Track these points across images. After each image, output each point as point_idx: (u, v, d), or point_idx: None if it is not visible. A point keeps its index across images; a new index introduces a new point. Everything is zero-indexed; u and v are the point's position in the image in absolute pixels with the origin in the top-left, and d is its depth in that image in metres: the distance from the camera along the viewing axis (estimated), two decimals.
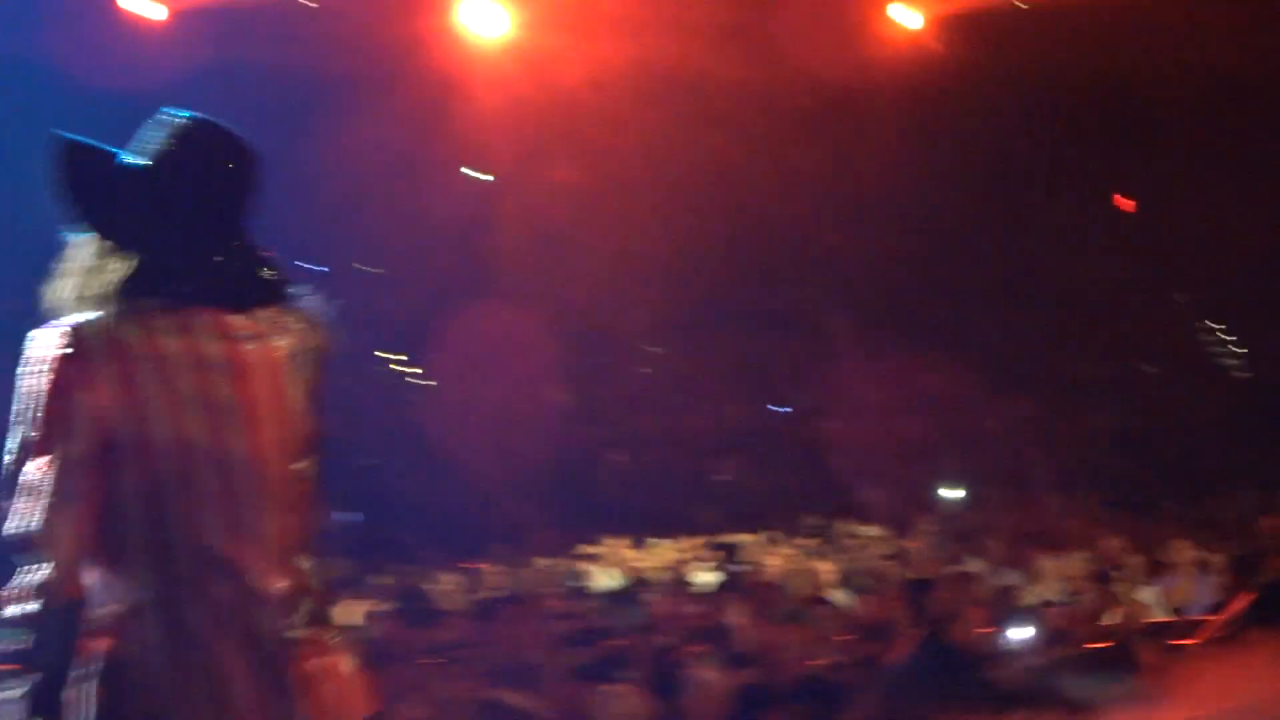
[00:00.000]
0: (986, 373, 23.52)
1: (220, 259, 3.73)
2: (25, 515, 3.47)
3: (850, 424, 22.69)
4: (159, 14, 20.77)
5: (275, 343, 3.75)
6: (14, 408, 3.54)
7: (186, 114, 3.79)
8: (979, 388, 23.25)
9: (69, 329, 3.54)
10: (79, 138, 3.71)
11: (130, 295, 3.62)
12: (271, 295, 3.80)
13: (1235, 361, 25.51)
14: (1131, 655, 12.01)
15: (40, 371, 3.52)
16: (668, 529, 18.99)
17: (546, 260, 22.59)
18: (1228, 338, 25.66)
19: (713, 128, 21.77)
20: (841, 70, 21.90)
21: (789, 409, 24.33)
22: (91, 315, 3.58)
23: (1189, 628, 13.45)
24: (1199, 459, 21.65)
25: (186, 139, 3.76)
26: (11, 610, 3.46)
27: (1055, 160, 24.22)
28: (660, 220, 23.06)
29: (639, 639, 12.23)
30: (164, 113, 3.80)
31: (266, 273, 3.81)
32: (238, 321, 3.69)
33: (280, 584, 3.65)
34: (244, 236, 3.79)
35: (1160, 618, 14.01)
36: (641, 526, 19.12)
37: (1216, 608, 13.82)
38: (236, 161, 3.80)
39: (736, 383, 24.25)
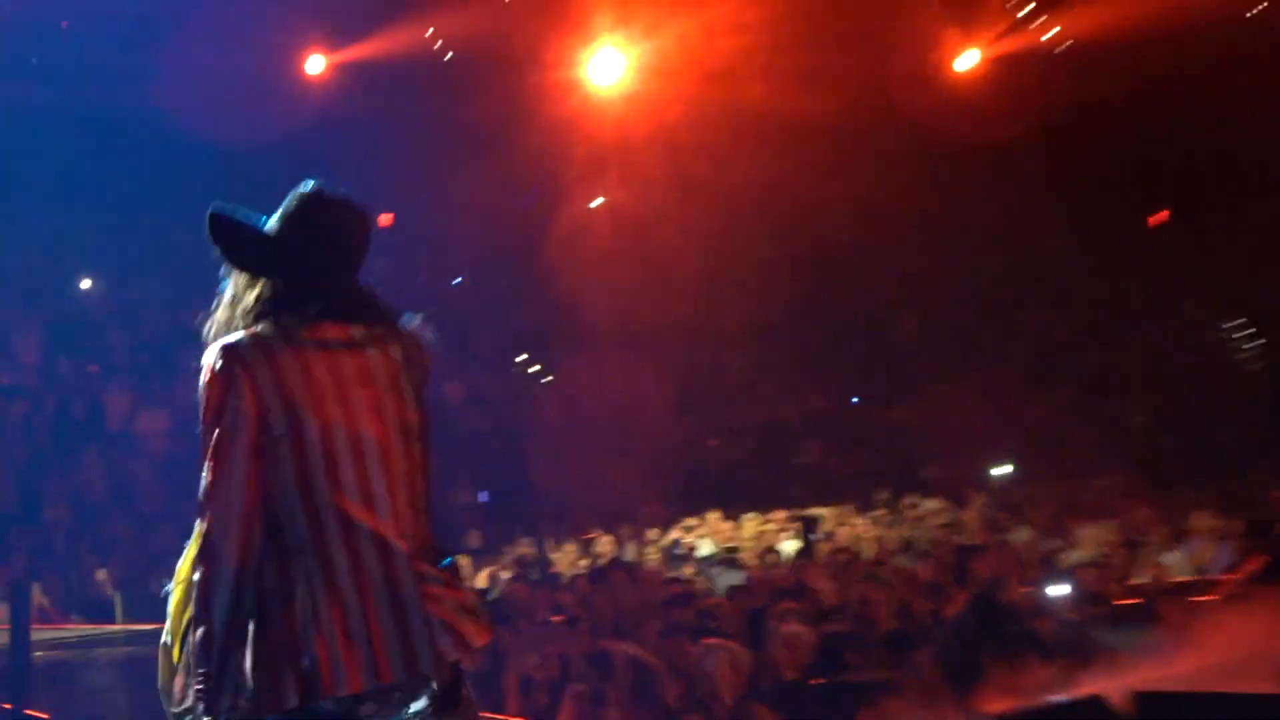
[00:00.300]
0: (1033, 366, 23.42)
1: (340, 289, 4.06)
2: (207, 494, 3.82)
3: (914, 412, 22.60)
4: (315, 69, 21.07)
5: (389, 350, 4.05)
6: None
7: (314, 185, 4.20)
8: (1027, 379, 23.12)
9: (231, 344, 3.91)
10: (230, 212, 4.13)
11: (273, 315, 3.98)
12: (382, 315, 4.12)
13: (1250, 354, 25.22)
14: (1156, 611, 11.98)
15: (211, 381, 3.87)
16: (758, 505, 18.96)
17: (654, 273, 22.66)
18: (1244, 334, 25.38)
19: (793, 157, 21.81)
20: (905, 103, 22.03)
21: (860, 400, 24.23)
22: (245, 333, 3.95)
23: (1208, 587, 13.39)
24: (1219, 441, 21.44)
25: (315, 205, 4.16)
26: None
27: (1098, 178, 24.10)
28: (751, 238, 23.10)
29: (734, 599, 12.30)
30: (303, 185, 4.20)
31: (376, 299, 4.15)
32: (358, 332, 4.03)
33: (404, 537, 3.91)
34: (356, 276, 4.14)
35: (1182, 578, 13.95)
36: (735, 503, 19.11)
37: (1232, 569, 13.75)
38: (351, 222, 4.18)
39: (818, 377, 24.20)
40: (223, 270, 4.18)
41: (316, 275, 4.04)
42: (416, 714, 3.93)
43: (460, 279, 23.69)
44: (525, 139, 21.74)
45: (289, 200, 4.16)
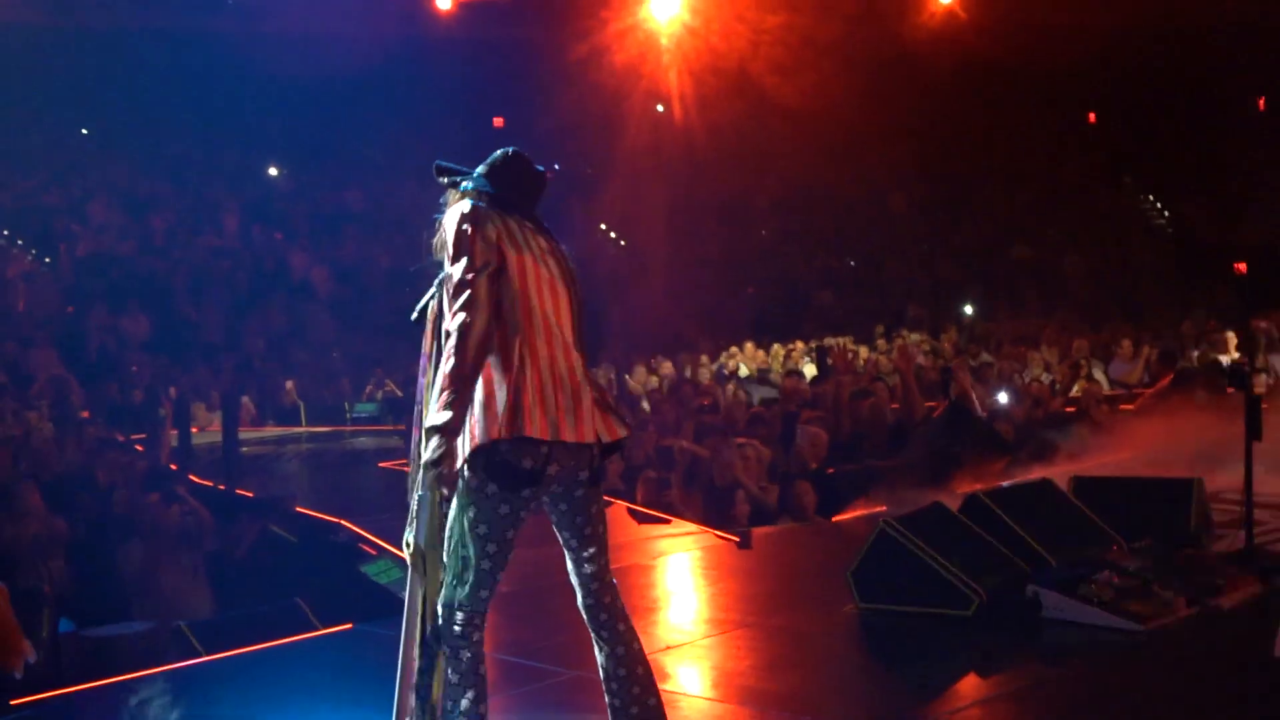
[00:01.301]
0: (997, 231, 23.15)
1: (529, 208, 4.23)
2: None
3: (902, 267, 22.42)
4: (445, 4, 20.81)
5: (558, 251, 4.21)
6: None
7: (510, 150, 4.27)
8: (991, 242, 22.88)
9: (470, 207, 4.07)
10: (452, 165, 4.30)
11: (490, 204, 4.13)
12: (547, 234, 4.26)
13: (1163, 223, 24.88)
14: (1091, 416, 11.91)
15: (460, 230, 4.01)
16: (782, 337, 18.91)
17: (704, 161, 22.51)
18: (1158, 207, 25.04)
19: (811, 71, 21.48)
20: None
21: (860, 258, 24.04)
22: (477, 203, 4.11)
23: (1130, 398, 13.30)
24: (1141, 288, 21.22)
25: (505, 166, 4.23)
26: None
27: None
28: (777, 133, 22.86)
29: (768, 408, 12.28)
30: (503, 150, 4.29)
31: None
32: (540, 231, 4.20)
33: (576, 348, 4.09)
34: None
35: (1110, 391, 13.85)
36: (765, 336, 19.06)
37: (1148, 384, 13.65)
38: (534, 177, 4.26)
39: (827, 240, 24.04)
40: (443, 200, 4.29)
41: (511, 195, 4.17)
42: (581, 483, 4.07)
43: (555, 165, 23.50)
44: (605, 59, 21.50)
45: (493, 157, 4.24)
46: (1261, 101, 22.98)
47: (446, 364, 3.82)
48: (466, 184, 4.16)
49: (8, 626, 4.44)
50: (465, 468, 3.91)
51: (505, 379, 3.89)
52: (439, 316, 4.07)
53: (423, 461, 3.83)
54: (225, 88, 22.03)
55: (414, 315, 4.21)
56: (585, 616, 4.14)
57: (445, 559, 3.97)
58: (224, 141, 23.54)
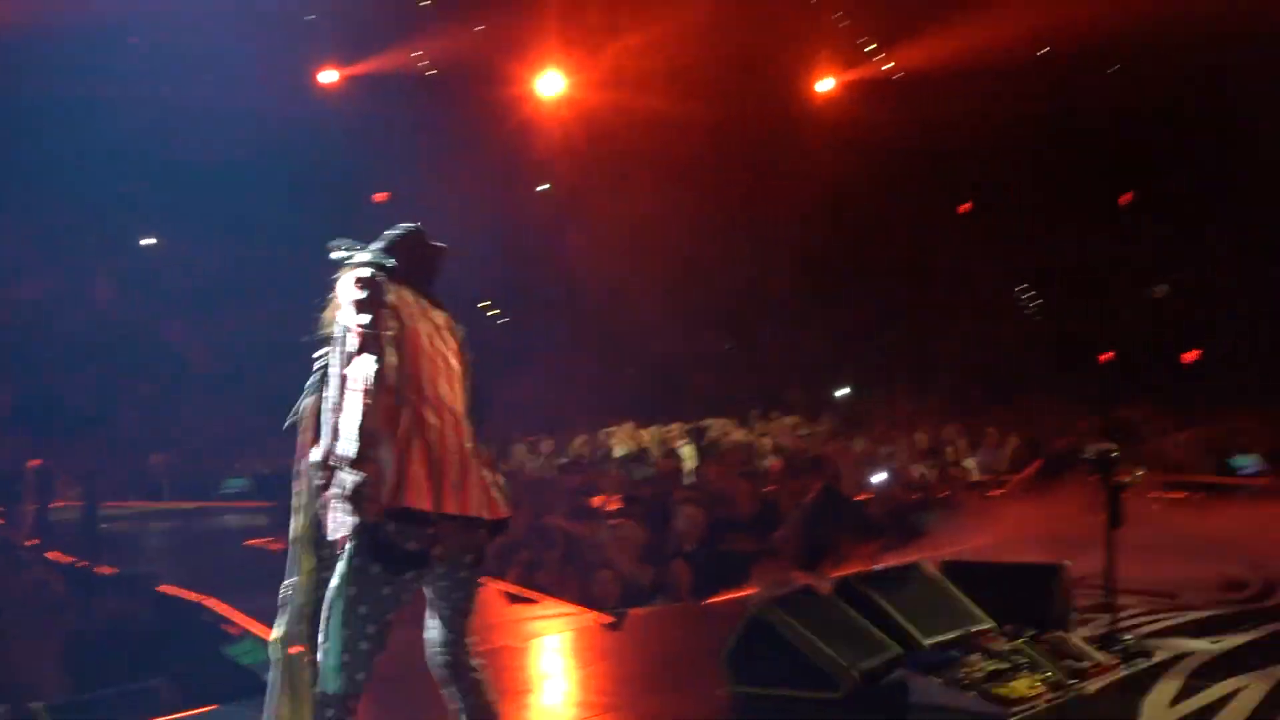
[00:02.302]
0: (870, 315, 23.51)
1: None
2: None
3: (781, 349, 22.65)
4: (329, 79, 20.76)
5: (452, 325, 4.23)
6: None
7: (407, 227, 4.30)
8: (866, 325, 23.23)
9: (371, 276, 4.03)
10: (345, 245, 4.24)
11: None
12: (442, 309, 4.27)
13: (1032, 312, 25.52)
14: (960, 501, 12.06)
15: (363, 298, 3.97)
16: (659, 418, 18.97)
17: (588, 241, 22.63)
18: (1028, 296, 25.70)
19: (693, 152, 21.81)
20: None
21: (738, 340, 24.26)
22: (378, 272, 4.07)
23: (998, 483, 13.52)
24: (1011, 376, 21.66)
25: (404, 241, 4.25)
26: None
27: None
28: (660, 215, 23.08)
29: (644, 487, 12.26)
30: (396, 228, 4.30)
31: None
32: (435, 304, 4.22)
33: (465, 422, 4.05)
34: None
35: (978, 477, 14.06)
36: (644, 415, 19.11)
37: (1016, 469, 13.89)
38: (431, 252, 4.29)
39: (706, 322, 24.24)
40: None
41: (408, 269, 4.15)
42: (465, 564, 4.06)
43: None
44: (489, 137, 21.64)
45: (391, 232, 4.26)
46: (1129, 196, 23.73)
47: (356, 403, 3.78)
48: (363, 256, 4.11)
49: None
50: (348, 545, 3.84)
51: (391, 449, 3.82)
52: (319, 409, 4.01)
53: (343, 496, 3.78)
54: (103, 156, 21.66)
55: (288, 421, 4.16)
56: (445, 673, 4.14)
57: (321, 638, 3.88)
58: (100, 211, 23.09)
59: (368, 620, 3.83)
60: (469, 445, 4.00)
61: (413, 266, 4.16)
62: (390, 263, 4.09)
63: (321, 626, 3.88)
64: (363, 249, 4.18)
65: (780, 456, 14.69)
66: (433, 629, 4.15)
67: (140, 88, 21.26)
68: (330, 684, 3.85)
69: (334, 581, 3.87)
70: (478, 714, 4.14)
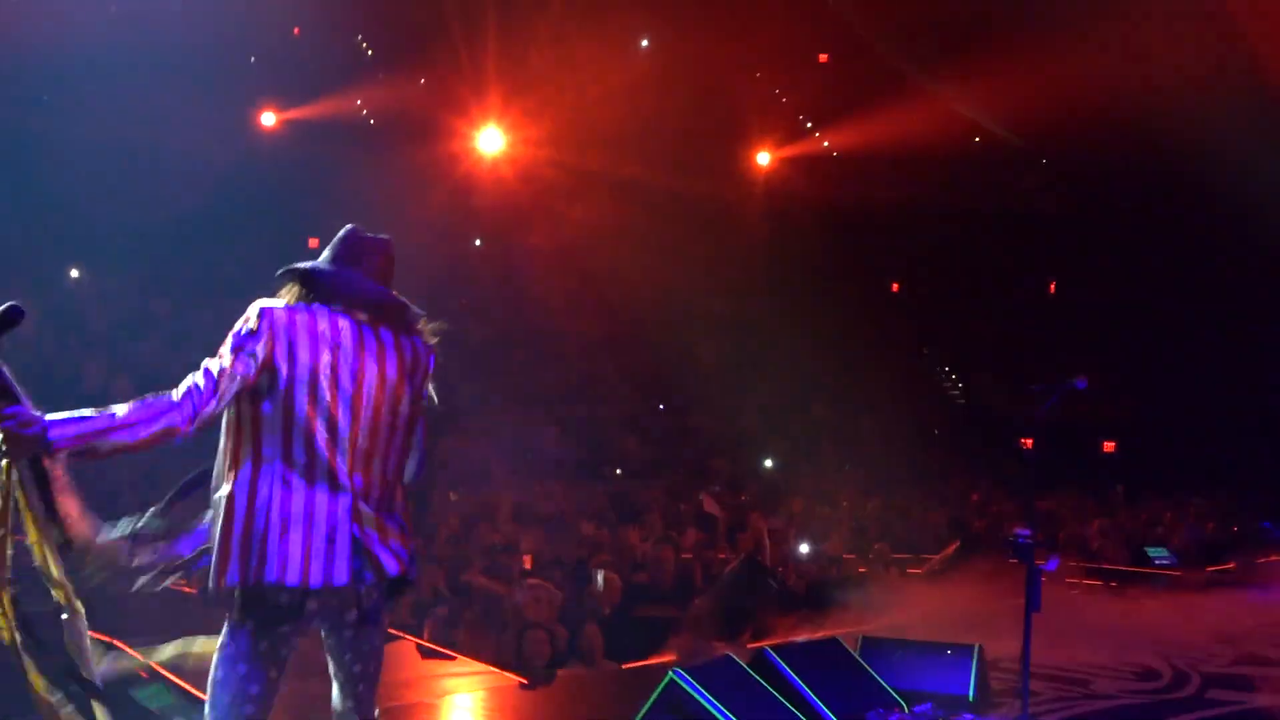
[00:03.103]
0: (799, 391, 23.61)
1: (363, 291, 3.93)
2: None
3: (706, 419, 22.65)
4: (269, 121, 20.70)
5: (400, 345, 3.96)
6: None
7: (346, 230, 4.10)
8: (792, 401, 23.31)
9: (269, 310, 3.76)
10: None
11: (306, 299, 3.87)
12: (401, 320, 4.01)
13: (956, 393, 25.80)
14: (880, 577, 12.11)
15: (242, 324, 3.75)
16: (585, 477, 18.91)
17: (518, 295, 22.58)
18: (952, 378, 25.97)
19: (626, 214, 21.93)
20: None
21: (665, 406, 24.24)
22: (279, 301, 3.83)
23: (918, 561, 13.60)
24: (933, 455, 21.84)
25: (347, 242, 4.05)
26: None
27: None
28: (593, 272, 23.13)
29: (562, 549, 12.18)
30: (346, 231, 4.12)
31: (395, 307, 4.02)
32: (375, 322, 3.93)
33: (356, 480, 3.78)
34: (384, 286, 4.03)
35: (899, 554, 14.11)
36: (569, 479, 19.03)
37: (936, 549, 13.98)
38: (378, 252, 4.05)
39: (635, 387, 24.21)
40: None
41: (344, 284, 3.92)
42: (348, 623, 3.85)
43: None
44: (429, 188, 21.66)
45: (334, 239, 4.06)
46: (1053, 285, 24.15)
47: (154, 405, 3.55)
48: (297, 269, 3.92)
49: None
50: (224, 603, 3.69)
51: (247, 517, 3.63)
52: (235, 421, 3.77)
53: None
54: (33, 187, 21.41)
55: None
56: None
57: (208, 700, 3.72)
58: (24, 242, 22.78)
59: (249, 680, 3.68)
60: (355, 501, 3.74)
61: (350, 279, 3.91)
62: (320, 283, 3.86)
63: (208, 689, 3.73)
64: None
65: (701, 525, 14.67)
66: (333, 695, 3.97)
67: (79, 122, 21.12)
68: None
69: (220, 639, 3.74)
70: None
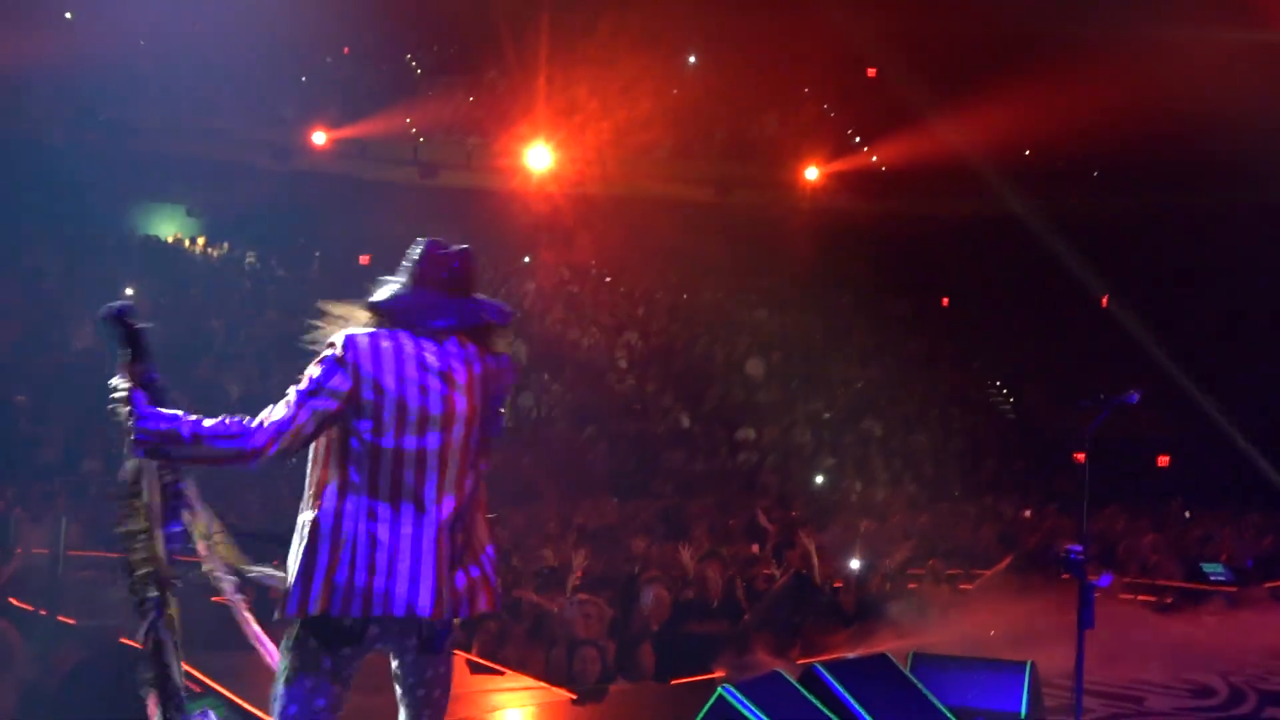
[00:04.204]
0: (851, 405, 23.52)
1: (444, 317, 3.88)
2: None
3: (756, 432, 22.60)
4: (320, 140, 20.85)
5: (476, 369, 3.89)
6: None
7: (422, 244, 4.06)
8: (846, 415, 23.23)
9: (349, 334, 3.78)
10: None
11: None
12: (480, 337, 3.95)
13: (1007, 408, 25.64)
14: (931, 593, 12.03)
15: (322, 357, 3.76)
16: (634, 495, 18.92)
17: (568, 310, 22.62)
18: (1003, 392, 25.82)
19: (676, 232, 21.97)
20: None
21: (715, 420, 24.21)
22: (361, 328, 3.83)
23: (969, 577, 13.49)
24: (985, 470, 21.68)
25: (427, 259, 4.01)
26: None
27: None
28: (642, 287, 23.11)
29: (611, 567, 12.19)
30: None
31: (477, 326, 3.96)
32: (451, 347, 3.86)
33: (444, 508, 3.78)
34: (464, 300, 3.97)
35: (951, 570, 14.00)
36: (619, 493, 19.06)
37: (987, 565, 13.86)
38: (461, 263, 4.03)
39: (683, 401, 24.17)
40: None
41: (417, 305, 3.90)
42: (410, 648, 3.85)
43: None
44: (475, 205, 21.79)
45: (409, 255, 4.04)
46: (1105, 298, 23.97)
47: (229, 430, 3.62)
48: (380, 303, 3.88)
49: None
50: (290, 620, 3.73)
51: (328, 548, 3.65)
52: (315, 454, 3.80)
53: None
54: (91, 202, 21.71)
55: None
56: None
57: (276, 713, 3.76)
58: (84, 256, 23.08)
59: (315, 693, 3.70)
60: (438, 532, 3.73)
61: (425, 297, 3.88)
62: (392, 307, 3.84)
63: (274, 702, 3.76)
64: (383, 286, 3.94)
65: (751, 540, 14.65)
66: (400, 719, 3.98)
67: (135, 137, 21.38)
68: None
69: (283, 642, 3.79)
70: None
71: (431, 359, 3.79)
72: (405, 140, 23.88)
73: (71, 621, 9.83)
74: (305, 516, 3.73)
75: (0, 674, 8.13)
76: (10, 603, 9.96)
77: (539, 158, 21.63)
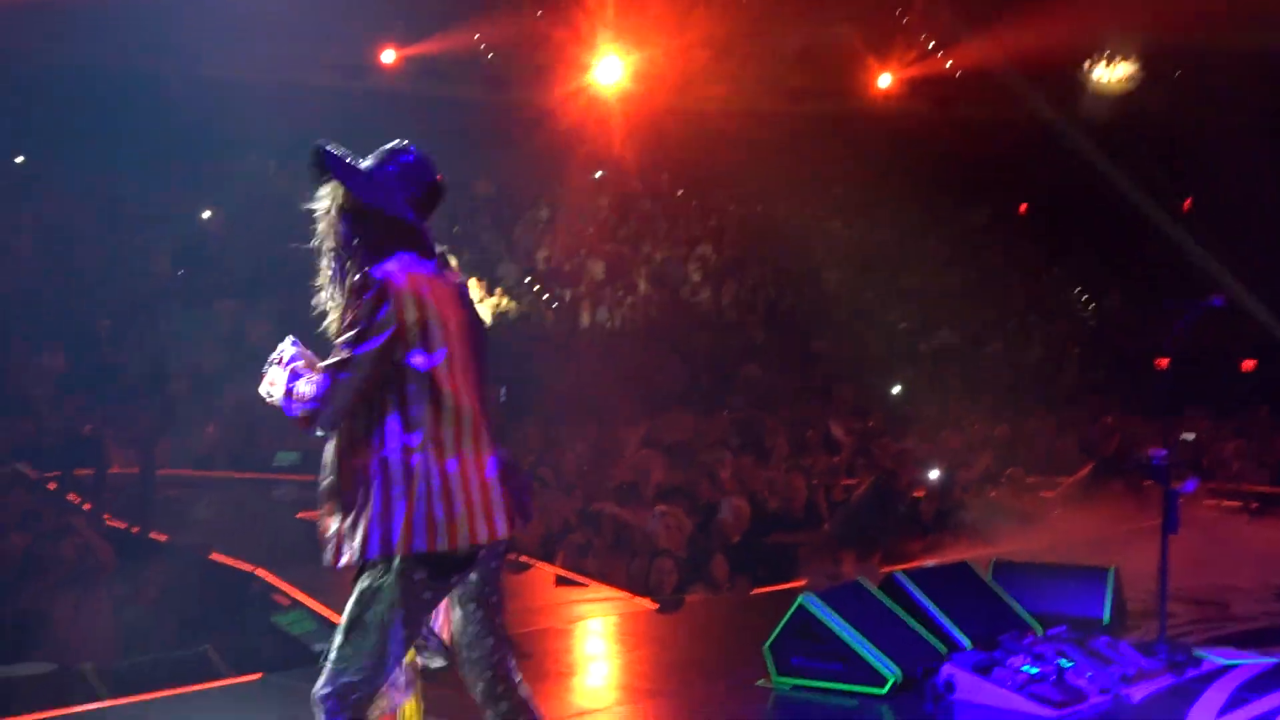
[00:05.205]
0: (927, 313, 23.35)
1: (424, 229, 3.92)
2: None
3: (832, 344, 22.52)
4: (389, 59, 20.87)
5: (464, 282, 3.98)
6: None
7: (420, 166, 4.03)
8: (922, 325, 23.09)
9: (380, 270, 3.75)
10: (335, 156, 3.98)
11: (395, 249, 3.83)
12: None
13: (1089, 315, 25.35)
14: (1011, 501, 12.01)
15: (369, 297, 3.72)
16: (709, 410, 18.91)
17: (639, 229, 22.60)
18: (1088, 300, 25.55)
19: (749, 146, 21.82)
20: None
21: (790, 332, 24.12)
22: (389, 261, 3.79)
23: (1050, 485, 13.44)
24: (1065, 378, 21.50)
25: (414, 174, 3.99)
26: None
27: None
28: (713, 202, 23.01)
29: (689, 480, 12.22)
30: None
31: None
32: (447, 267, 3.93)
33: (485, 426, 3.83)
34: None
35: (1030, 478, 13.94)
36: (695, 407, 19.05)
37: (1068, 473, 13.80)
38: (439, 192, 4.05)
39: (758, 313, 24.10)
40: (321, 193, 3.95)
41: (420, 231, 3.89)
42: (496, 555, 3.92)
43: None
44: (546, 123, 21.73)
45: (401, 169, 3.97)
46: (1189, 201, 23.53)
47: (314, 384, 3.68)
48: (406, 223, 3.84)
49: None
50: (393, 556, 3.69)
51: (406, 487, 3.67)
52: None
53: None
54: (164, 130, 21.87)
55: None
56: (481, 690, 3.93)
57: (342, 638, 3.74)
58: (160, 183, 23.30)
59: (403, 625, 3.72)
60: (485, 456, 3.80)
61: (418, 224, 3.89)
62: (406, 236, 3.84)
63: (356, 622, 3.73)
64: (365, 184, 3.87)
65: (828, 451, 14.66)
66: (468, 640, 3.95)
67: (206, 65, 21.50)
68: (349, 689, 3.70)
69: (367, 582, 3.73)
70: None
71: (439, 284, 3.83)
72: (474, 56, 23.79)
73: (163, 538, 10.08)
74: (367, 458, 3.72)
75: (98, 591, 8.36)
76: (104, 520, 10.21)
77: (609, 71, 21.46)
